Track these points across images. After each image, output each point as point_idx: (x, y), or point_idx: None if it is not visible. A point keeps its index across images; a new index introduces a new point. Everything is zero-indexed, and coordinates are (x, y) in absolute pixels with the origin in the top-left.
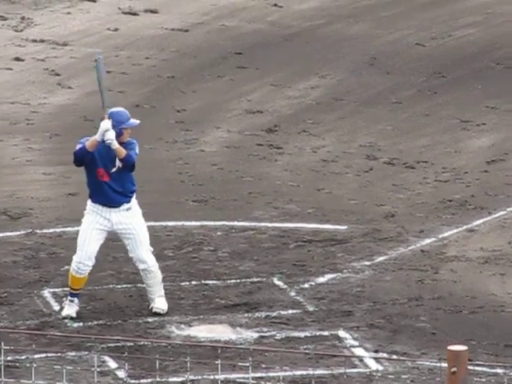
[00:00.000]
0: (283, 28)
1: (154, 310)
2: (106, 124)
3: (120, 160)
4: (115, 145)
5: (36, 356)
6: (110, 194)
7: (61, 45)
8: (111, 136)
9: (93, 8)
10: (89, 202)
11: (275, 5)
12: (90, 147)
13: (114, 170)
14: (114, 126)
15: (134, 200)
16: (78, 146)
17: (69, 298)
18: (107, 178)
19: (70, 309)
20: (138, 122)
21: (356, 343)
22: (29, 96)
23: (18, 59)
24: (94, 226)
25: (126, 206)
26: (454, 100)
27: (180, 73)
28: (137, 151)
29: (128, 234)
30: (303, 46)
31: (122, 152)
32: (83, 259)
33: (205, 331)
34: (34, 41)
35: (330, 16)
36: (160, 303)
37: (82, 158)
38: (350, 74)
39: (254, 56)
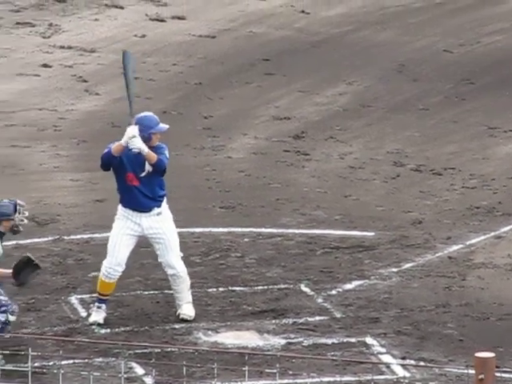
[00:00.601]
0: (311, 34)
1: (181, 316)
2: (132, 130)
3: (151, 165)
4: (145, 150)
5: (63, 362)
6: (139, 198)
7: (88, 51)
8: (137, 143)
9: (120, 15)
10: (119, 206)
11: (303, 11)
12: (115, 152)
13: (143, 174)
14: (142, 131)
15: (164, 205)
16: (105, 150)
17: (96, 304)
18: (137, 183)
19: (98, 315)
20: (167, 126)
21: (383, 350)
22: (56, 102)
23: (45, 66)
24: (124, 231)
25: (156, 210)
26: (482, 107)
27: (207, 79)
28: (167, 155)
29: (158, 238)
30: (331, 52)
31: (153, 157)
32: (113, 264)
33: (232, 338)
34: (62, 47)
35: (357, 22)
36: (187, 309)
37: (109, 162)
38: (377, 80)
39: (281, 62)
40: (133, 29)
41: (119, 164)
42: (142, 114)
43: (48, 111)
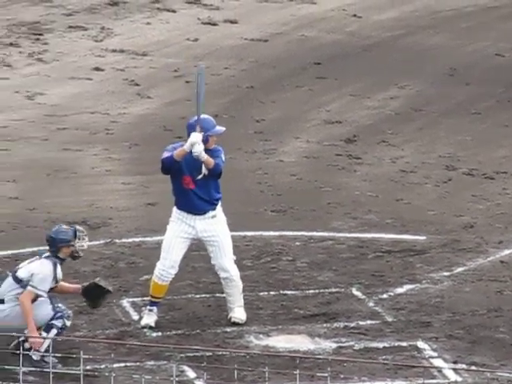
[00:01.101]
0: (362, 38)
1: (232, 319)
2: (197, 137)
3: (208, 169)
4: (204, 157)
5: (115, 365)
6: (195, 201)
7: (140, 55)
8: (199, 149)
9: (172, 18)
10: (174, 209)
11: (354, 15)
12: (178, 157)
13: (199, 177)
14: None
15: (219, 208)
16: (166, 155)
17: (148, 307)
18: (193, 186)
19: (149, 318)
20: (223, 129)
21: (435, 354)
22: (108, 106)
23: (97, 69)
24: (178, 233)
25: (211, 213)
26: None
27: (259, 83)
28: (223, 158)
29: (212, 241)
30: (382, 56)
31: (211, 162)
32: (167, 267)
33: (283, 341)
34: (114, 51)
35: (409, 27)
36: (239, 313)
37: (170, 167)
38: (429, 84)
39: (333, 66)
40: (185, 32)
41: (177, 167)
42: (200, 116)
43: (100, 115)
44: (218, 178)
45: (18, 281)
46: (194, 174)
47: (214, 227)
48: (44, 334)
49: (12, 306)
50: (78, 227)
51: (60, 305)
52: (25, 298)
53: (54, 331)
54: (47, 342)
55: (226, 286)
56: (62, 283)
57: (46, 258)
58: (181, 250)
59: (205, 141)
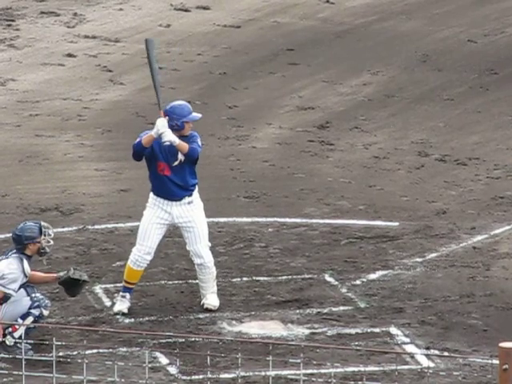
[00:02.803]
0: (335, 24)
1: (205, 306)
2: (162, 122)
3: (184, 154)
4: (176, 141)
5: (87, 352)
6: (171, 187)
7: (113, 41)
8: (168, 137)
9: (145, 4)
10: (151, 194)
11: (327, 1)
12: (145, 143)
13: (176, 163)
14: (175, 119)
15: (196, 194)
16: (137, 140)
17: (121, 293)
18: (168, 172)
19: (122, 304)
20: (199, 115)
21: (407, 340)
22: (81, 92)
23: (70, 55)
24: (154, 220)
25: (187, 199)
26: (506, 97)
27: (232, 69)
28: (199, 144)
29: (188, 227)
30: (355, 42)
31: (185, 147)
32: (143, 253)
33: (256, 327)
34: (86, 37)
35: (381, 13)
36: (212, 299)
37: (140, 153)
38: (401, 70)
39: (305, 52)
40: (157, 19)
41: (151, 153)
42: (176, 103)
43: (72, 101)
44: (195, 164)
45: None
46: (170, 160)
47: (191, 213)
48: (20, 321)
49: None
50: (43, 223)
51: (38, 294)
52: None
53: (30, 319)
54: (22, 329)
55: (199, 273)
56: (37, 273)
57: (13, 256)
58: (157, 236)
59: (180, 127)
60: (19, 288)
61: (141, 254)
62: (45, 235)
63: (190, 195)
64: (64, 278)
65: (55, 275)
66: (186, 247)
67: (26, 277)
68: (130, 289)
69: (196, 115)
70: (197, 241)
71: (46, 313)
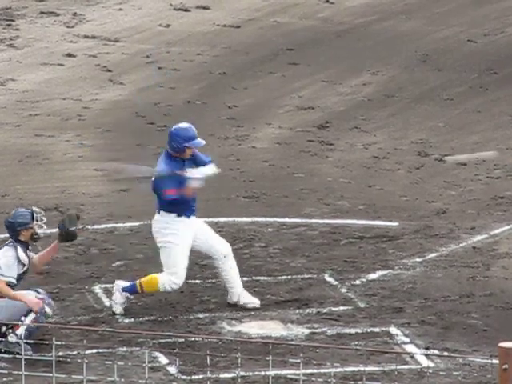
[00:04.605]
0: (335, 24)
1: (249, 305)
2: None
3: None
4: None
5: (87, 351)
6: (194, 203)
7: (112, 41)
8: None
9: (145, 4)
10: (170, 219)
11: (327, 1)
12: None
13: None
14: (177, 142)
15: None
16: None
17: (127, 293)
18: (193, 192)
19: (124, 303)
20: (203, 142)
21: (407, 340)
22: (80, 92)
23: (69, 55)
24: (186, 241)
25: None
26: (506, 97)
27: (231, 69)
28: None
29: (202, 227)
30: (355, 42)
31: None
32: (181, 279)
33: (256, 327)
34: (86, 37)
35: (381, 13)
36: (251, 297)
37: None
38: (401, 70)
39: (305, 52)
40: (157, 18)
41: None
42: (181, 125)
43: (72, 101)
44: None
45: None
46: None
47: (197, 219)
48: (23, 319)
49: None
50: (34, 208)
51: (41, 290)
52: None
53: (32, 315)
54: (24, 327)
55: (228, 266)
56: (39, 254)
57: (8, 245)
58: (187, 257)
59: (181, 150)
60: (18, 279)
61: (178, 282)
62: (37, 220)
63: None
64: (64, 236)
65: (55, 243)
66: (205, 250)
67: (24, 265)
68: (136, 293)
69: (200, 141)
70: (212, 232)
71: (48, 311)
